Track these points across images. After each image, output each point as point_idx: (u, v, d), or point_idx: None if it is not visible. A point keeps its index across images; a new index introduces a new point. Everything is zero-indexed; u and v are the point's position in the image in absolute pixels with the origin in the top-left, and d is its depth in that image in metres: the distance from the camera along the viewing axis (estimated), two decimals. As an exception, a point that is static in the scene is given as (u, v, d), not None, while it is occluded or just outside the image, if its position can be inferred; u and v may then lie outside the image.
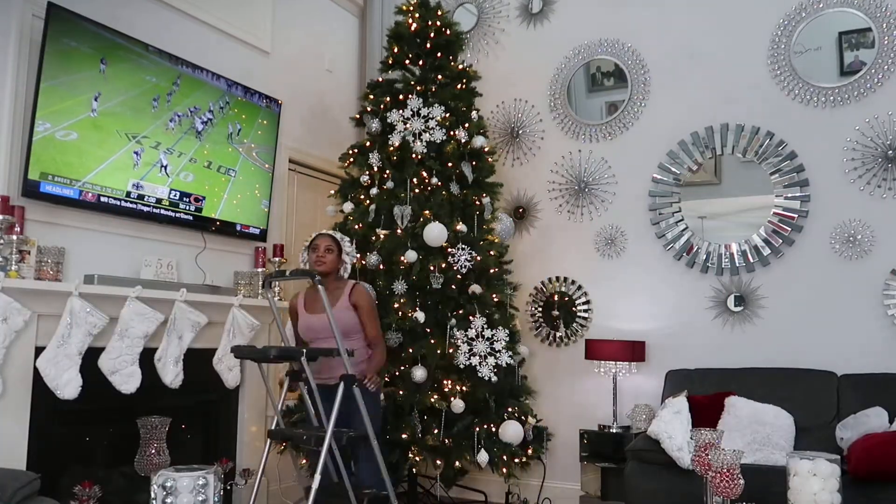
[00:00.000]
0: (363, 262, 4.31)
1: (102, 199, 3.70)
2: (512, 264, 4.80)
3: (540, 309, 5.23)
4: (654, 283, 4.93)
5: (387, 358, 3.83)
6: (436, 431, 4.09)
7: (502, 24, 5.62)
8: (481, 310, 4.28)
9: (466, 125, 4.54)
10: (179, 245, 4.21)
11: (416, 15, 4.67)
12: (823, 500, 2.76)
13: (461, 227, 4.33)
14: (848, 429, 3.79)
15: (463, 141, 4.48)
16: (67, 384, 3.38)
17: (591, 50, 5.29)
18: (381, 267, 4.32)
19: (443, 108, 4.49)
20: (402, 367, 4.18)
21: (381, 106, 4.61)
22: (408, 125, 4.49)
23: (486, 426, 4.15)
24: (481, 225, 4.52)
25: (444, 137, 4.46)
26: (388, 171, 4.49)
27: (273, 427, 3.79)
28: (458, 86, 4.64)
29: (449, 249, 4.29)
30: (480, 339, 4.20)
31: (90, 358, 3.51)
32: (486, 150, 4.63)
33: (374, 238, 4.38)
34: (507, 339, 4.26)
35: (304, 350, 3.26)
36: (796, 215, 4.55)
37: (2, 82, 3.39)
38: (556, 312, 5.17)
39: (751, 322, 4.64)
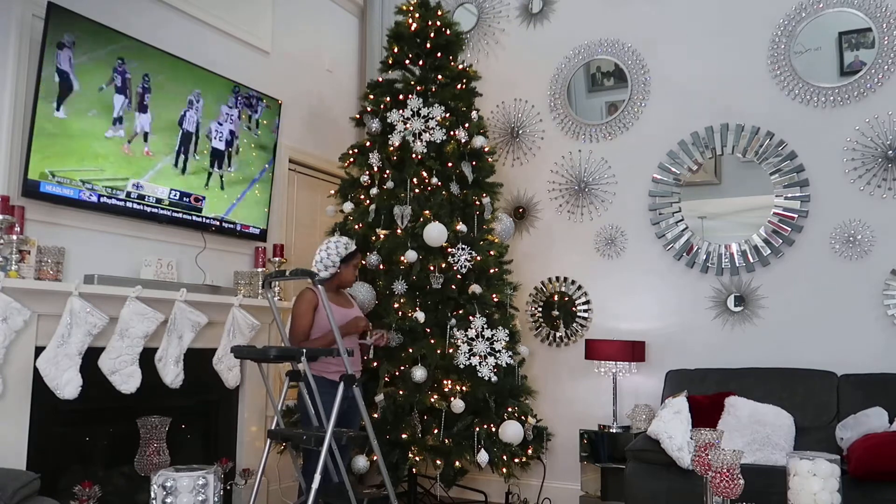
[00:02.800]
0: (363, 262, 4.31)
1: (102, 199, 3.70)
2: (512, 264, 4.80)
3: (540, 309, 5.23)
4: (654, 283, 4.93)
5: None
6: (436, 431, 4.09)
7: (502, 24, 5.62)
8: (481, 310, 4.28)
9: (466, 125, 4.54)
10: (179, 245, 4.22)
11: (416, 15, 4.67)
12: (823, 500, 2.76)
13: (461, 227, 4.33)
14: (848, 429, 3.79)
15: (463, 141, 4.48)
16: (67, 384, 3.38)
17: (591, 50, 5.29)
18: (381, 267, 4.32)
19: (443, 108, 4.49)
20: (402, 367, 4.17)
21: (381, 106, 4.61)
22: (408, 125, 4.49)
23: (486, 426, 4.15)
24: (481, 225, 4.52)
25: (444, 137, 4.46)
26: (388, 171, 4.49)
27: (273, 427, 3.79)
28: (458, 86, 4.64)
29: (449, 249, 4.29)
30: (480, 339, 4.20)
31: (90, 358, 3.51)
32: (486, 150, 4.63)
33: (374, 238, 4.38)
34: (507, 339, 4.26)
35: (304, 350, 3.27)
36: (796, 215, 4.55)
37: (2, 82, 3.39)
38: (556, 312, 5.17)
39: (751, 322, 4.64)
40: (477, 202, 4.50)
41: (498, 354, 4.18)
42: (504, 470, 4.18)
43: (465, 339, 4.19)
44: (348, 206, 4.55)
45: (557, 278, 5.21)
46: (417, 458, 4.07)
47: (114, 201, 3.76)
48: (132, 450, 3.48)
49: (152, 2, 4.12)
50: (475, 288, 4.28)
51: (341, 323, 3.59)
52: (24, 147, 3.41)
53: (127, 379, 3.63)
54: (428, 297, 4.33)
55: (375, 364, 4.20)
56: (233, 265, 4.56)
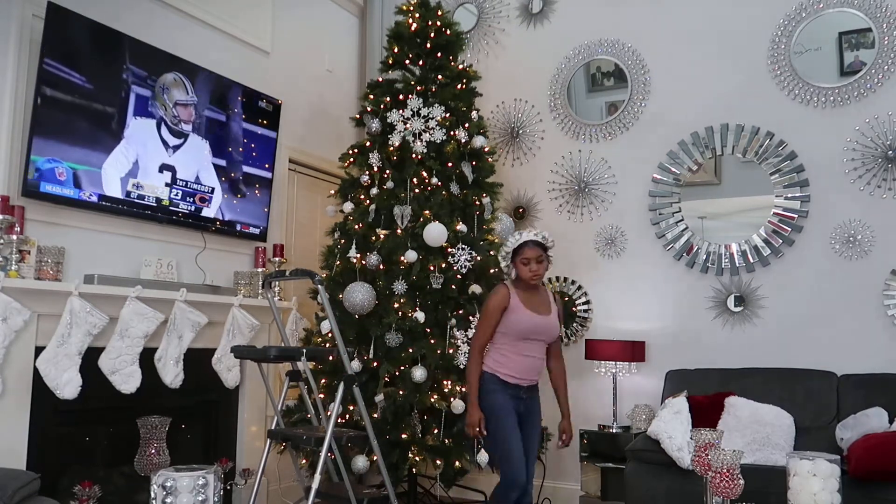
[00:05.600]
0: (363, 262, 4.31)
1: (102, 199, 3.70)
2: (512, 264, 4.79)
3: (540, 309, 5.23)
4: (654, 284, 4.92)
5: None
6: (436, 431, 4.09)
7: (502, 24, 5.62)
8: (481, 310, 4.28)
9: (466, 125, 4.53)
10: (179, 245, 4.22)
11: (416, 15, 4.66)
12: (823, 500, 2.76)
13: (461, 227, 4.33)
14: (848, 429, 3.79)
15: (463, 141, 4.48)
16: (67, 384, 3.38)
17: (591, 50, 5.29)
18: (381, 267, 4.32)
19: (443, 108, 4.49)
20: (402, 367, 4.17)
21: (381, 106, 4.60)
22: (408, 125, 4.48)
23: (486, 426, 4.14)
24: (481, 225, 4.52)
25: (444, 137, 4.45)
26: (388, 171, 4.49)
27: (273, 427, 3.79)
28: (458, 86, 4.63)
29: (449, 249, 4.29)
30: (480, 339, 4.18)
31: (90, 358, 3.51)
32: (486, 150, 4.63)
33: (374, 238, 4.38)
34: (507, 339, 4.25)
35: (304, 350, 3.27)
36: (796, 215, 4.55)
37: (2, 82, 3.39)
38: (556, 312, 5.17)
39: (751, 322, 4.64)
40: (477, 202, 4.50)
41: (498, 354, 4.17)
42: (504, 470, 4.18)
43: (465, 339, 4.19)
44: (348, 206, 4.54)
45: (557, 278, 5.21)
46: (417, 458, 4.06)
47: (113, 201, 3.76)
48: (132, 450, 3.48)
49: (153, 2, 4.12)
50: (475, 288, 4.28)
51: (530, 325, 3.42)
52: (24, 147, 3.41)
53: (127, 379, 3.63)
54: (428, 297, 4.33)
55: (375, 364, 4.20)
56: (233, 265, 4.56)
